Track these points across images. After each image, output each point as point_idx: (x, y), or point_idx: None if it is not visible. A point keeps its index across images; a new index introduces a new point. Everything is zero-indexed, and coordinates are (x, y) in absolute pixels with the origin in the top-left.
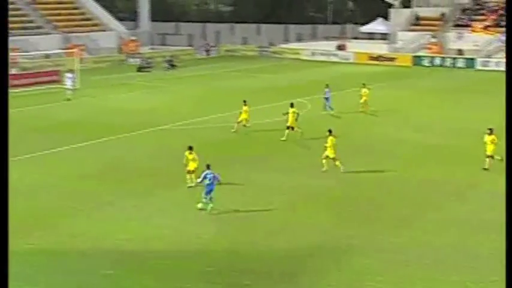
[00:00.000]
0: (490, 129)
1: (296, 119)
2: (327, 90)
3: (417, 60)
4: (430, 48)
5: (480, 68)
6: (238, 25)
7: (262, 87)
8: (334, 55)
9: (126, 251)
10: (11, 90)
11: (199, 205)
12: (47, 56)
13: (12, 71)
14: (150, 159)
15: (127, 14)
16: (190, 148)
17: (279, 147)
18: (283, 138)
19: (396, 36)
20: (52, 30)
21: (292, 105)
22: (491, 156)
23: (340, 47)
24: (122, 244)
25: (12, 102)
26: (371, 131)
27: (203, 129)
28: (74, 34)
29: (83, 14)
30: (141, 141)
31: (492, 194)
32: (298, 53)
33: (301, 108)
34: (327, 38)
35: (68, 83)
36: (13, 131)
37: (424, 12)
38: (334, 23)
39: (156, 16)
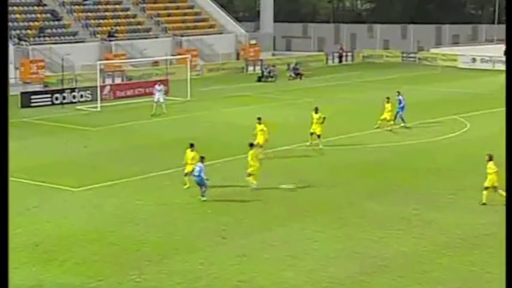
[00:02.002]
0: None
1: (322, 122)
2: (400, 97)
3: None
4: None
5: None
6: (378, 26)
7: (409, 101)
8: (502, 62)
9: None
10: (115, 102)
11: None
12: (156, 63)
13: (118, 80)
14: (268, 189)
15: (247, 13)
16: (192, 146)
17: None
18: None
19: None
20: (162, 33)
21: (316, 111)
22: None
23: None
24: (237, 286)
25: (116, 116)
26: None
27: (334, 150)
28: (186, 37)
29: (196, 14)
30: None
31: None
32: (454, 60)
33: (458, 128)
34: (491, 41)
35: (157, 96)
36: (110, 149)
37: None
38: (501, 22)
39: (280, 16)
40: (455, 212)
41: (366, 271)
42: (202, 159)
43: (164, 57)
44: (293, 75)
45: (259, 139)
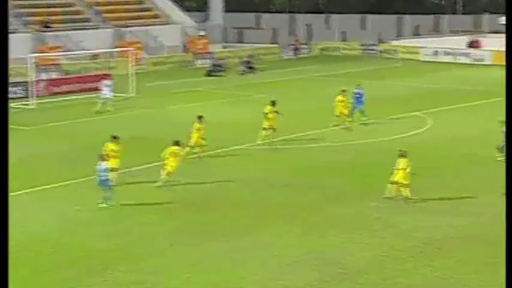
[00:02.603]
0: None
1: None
2: (360, 91)
3: None
4: None
5: None
6: (336, 16)
7: (369, 97)
8: (465, 55)
9: None
10: (51, 99)
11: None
12: (95, 56)
13: (53, 75)
14: (225, 190)
15: (195, 3)
16: (115, 138)
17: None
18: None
19: None
20: (102, 24)
21: (273, 104)
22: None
23: (473, 44)
24: None
25: (49, 115)
26: None
27: (289, 150)
28: (129, 29)
29: (140, 3)
30: (212, 166)
31: None
32: (415, 52)
33: (420, 125)
34: (454, 33)
35: (105, 92)
36: (51, 150)
37: None
38: (465, 12)
39: (231, 6)
40: (417, 214)
41: (325, 279)
42: (103, 157)
43: (105, 50)
44: (245, 69)
45: (193, 138)
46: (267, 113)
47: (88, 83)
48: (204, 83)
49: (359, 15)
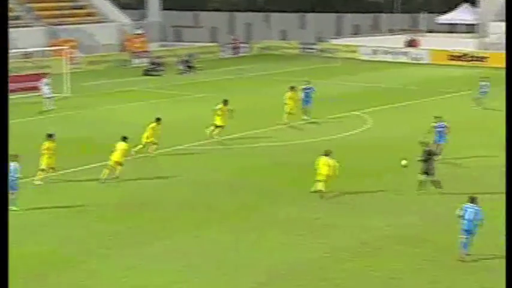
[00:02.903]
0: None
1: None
2: (307, 87)
3: None
4: None
5: None
6: (275, 15)
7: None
8: (403, 54)
9: None
10: None
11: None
12: (27, 55)
13: None
14: (160, 193)
15: (131, 0)
16: (50, 136)
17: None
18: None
19: (487, 28)
20: (34, 22)
21: (226, 103)
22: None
23: (411, 43)
24: None
25: None
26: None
27: (228, 150)
28: (63, 27)
29: (74, 0)
30: (151, 166)
31: None
32: (354, 51)
33: (360, 125)
34: (393, 32)
35: (45, 91)
36: None
37: None
38: (403, 11)
39: (169, 3)
40: (356, 214)
41: (266, 280)
42: (13, 157)
43: (38, 49)
44: (184, 68)
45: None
46: (217, 110)
47: (20, 82)
48: (141, 83)
49: (299, 14)
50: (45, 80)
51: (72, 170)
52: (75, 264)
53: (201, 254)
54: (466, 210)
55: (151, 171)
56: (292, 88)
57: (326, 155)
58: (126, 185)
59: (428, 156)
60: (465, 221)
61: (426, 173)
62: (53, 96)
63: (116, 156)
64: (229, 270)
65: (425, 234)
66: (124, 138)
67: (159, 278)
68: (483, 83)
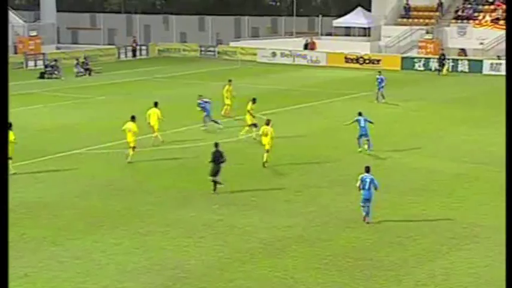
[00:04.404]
0: None
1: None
2: (201, 101)
3: (408, 62)
4: (423, 47)
5: (488, 72)
6: (174, 17)
7: (209, 97)
8: (302, 57)
9: None
10: None
11: None
12: None
13: None
14: (65, 200)
15: (24, 1)
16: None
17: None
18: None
19: (380, 31)
20: None
21: (156, 105)
22: None
23: (308, 46)
24: None
25: None
26: (359, 156)
27: (138, 152)
28: None
29: None
30: (50, 171)
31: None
32: (254, 54)
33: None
34: (290, 34)
35: None
36: None
37: (416, 0)
38: (300, 15)
39: (64, 5)
40: (257, 215)
41: (166, 283)
42: None
43: None
44: (81, 70)
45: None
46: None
47: None
48: (38, 85)
49: (198, 17)
50: None
51: None
52: None
53: (97, 260)
54: (363, 181)
55: (48, 175)
56: (229, 81)
57: (267, 124)
58: (21, 188)
59: (218, 158)
60: (364, 191)
61: (214, 174)
62: None
63: (128, 138)
64: (127, 275)
65: (324, 234)
66: (132, 118)
67: (53, 285)
68: (379, 77)
